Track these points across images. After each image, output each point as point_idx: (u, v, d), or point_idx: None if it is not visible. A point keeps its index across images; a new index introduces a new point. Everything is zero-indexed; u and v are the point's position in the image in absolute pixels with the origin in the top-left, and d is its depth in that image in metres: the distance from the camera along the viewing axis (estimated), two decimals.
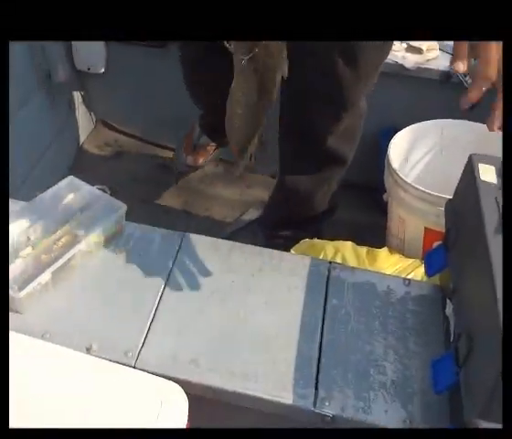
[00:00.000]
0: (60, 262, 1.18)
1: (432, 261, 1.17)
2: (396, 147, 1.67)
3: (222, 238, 1.36)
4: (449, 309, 1.08)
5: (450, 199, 1.21)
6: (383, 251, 1.47)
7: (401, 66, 1.89)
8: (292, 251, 1.46)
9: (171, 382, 0.92)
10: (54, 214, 1.30)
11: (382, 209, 1.73)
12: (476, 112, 1.77)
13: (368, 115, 1.60)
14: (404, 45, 1.94)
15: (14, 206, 1.33)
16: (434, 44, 1.97)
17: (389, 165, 1.62)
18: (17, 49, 1.94)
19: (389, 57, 1.57)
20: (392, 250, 1.51)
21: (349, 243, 1.48)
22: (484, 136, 1.65)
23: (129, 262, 1.24)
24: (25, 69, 1.98)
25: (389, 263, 1.42)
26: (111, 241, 1.29)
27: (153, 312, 1.13)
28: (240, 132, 1.14)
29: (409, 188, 1.53)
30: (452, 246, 1.11)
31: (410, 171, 1.73)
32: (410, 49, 1.95)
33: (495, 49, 0.88)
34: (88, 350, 1.05)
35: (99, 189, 1.40)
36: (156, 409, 0.89)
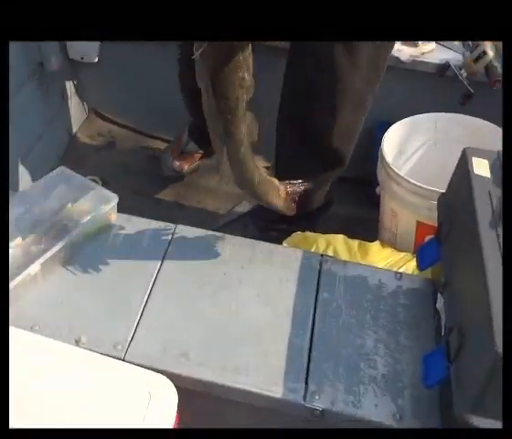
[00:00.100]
0: (50, 253, 1.18)
1: (423, 254, 1.16)
2: (390, 141, 1.66)
3: (214, 230, 1.36)
4: (440, 303, 1.07)
5: (443, 193, 1.20)
6: (375, 245, 1.46)
7: (397, 59, 1.88)
8: (284, 243, 1.46)
9: (160, 375, 0.92)
10: (44, 204, 1.29)
11: (375, 203, 1.72)
12: (470, 106, 1.79)
13: None
14: None
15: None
16: None
17: (383, 158, 1.61)
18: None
19: None
20: (384, 243, 1.51)
21: (341, 236, 1.48)
22: (477, 130, 1.66)
23: (120, 255, 1.23)
24: (17, 57, 1.96)
25: (380, 257, 1.42)
26: (102, 233, 1.29)
27: (143, 304, 1.13)
28: (211, 138, 1.06)
29: (401, 182, 1.52)
30: (444, 240, 1.11)
31: (403, 164, 1.72)
32: (406, 42, 1.94)
33: None
34: (77, 343, 1.05)
35: (90, 180, 1.39)
36: (145, 402, 0.88)
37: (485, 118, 1.69)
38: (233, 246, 1.27)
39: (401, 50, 1.91)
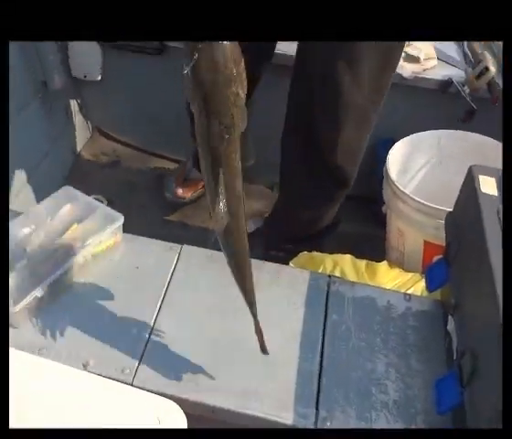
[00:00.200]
0: (56, 275, 1.17)
1: (432, 275, 1.16)
2: (394, 158, 1.66)
3: (219, 249, 1.35)
4: (451, 325, 1.06)
5: (450, 212, 1.19)
6: (383, 265, 1.45)
7: (399, 75, 1.88)
8: (290, 264, 1.45)
9: (169, 401, 0.90)
10: (50, 225, 1.28)
11: (381, 222, 1.72)
12: (473, 123, 1.79)
13: None
14: (402, 54, 1.93)
15: (10, 216, 1.31)
16: (432, 53, 1.96)
17: (388, 176, 1.60)
18: (13, 57, 1.92)
19: None
20: (392, 263, 1.50)
21: (348, 257, 1.47)
22: (481, 147, 1.66)
23: (126, 276, 1.23)
24: (21, 77, 1.96)
25: (388, 278, 1.41)
26: (107, 253, 1.28)
27: (150, 328, 1.12)
28: (201, 168, 0.95)
29: (407, 200, 1.51)
30: (453, 260, 1.10)
31: (408, 182, 1.72)
32: (408, 58, 1.94)
33: None
34: (84, 367, 1.04)
35: (95, 199, 1.38)
36: (154, 427, 0.87)
37: (488, 134, 1.69)
38: None
39: (404, 67, 1.91)
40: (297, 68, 1.51)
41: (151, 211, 2.00)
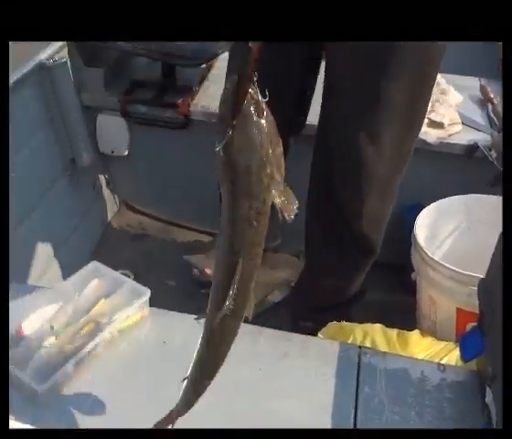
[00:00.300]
0: (83, 352, 1.16)
1: (467, 345, 1.12)
2: (422, 224, 1.65)
3: (248, 321, 1.33)
4: (489, 397, 1.02)
5: (482, 279, 1.17)
6: (414, 334, 1.42)
7: (423, 141, 1.88)
8: (319, 334, 1.42)
9: None
10: (77, 301, 1.29)
11: (411, 289, 1.69)
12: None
13: None
14: (426, 120, 1.93)
15: (38, 293, 1.32)
16: (456, 118, 1.96)
17: (416, 242, 1.59)
18: (43, 136, 1.98)
19: None
20: (424, 332, 1.46)
21: (379, 326, 1.44)
22: None
23: (153, 351, 1.21)
24: (50, 155, 2.01)
25: (421, 347, 1.37)
26: (135, 328, 1.27)
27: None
28: (219, 254, 0.88)
29: (438, 267, 1.49)
30: (487, 330, 1.07)
31: (437, 249, 1.70)
32: (432, 124, 1.94)
33: None
34: None
35: (122, 274, 1.39)
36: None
37: None
38: (267, 339, 1.24)
39: (428, 133, 1.91)
40: (319, 138, 1.52)
41: (178, 285, 2.00)
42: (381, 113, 1.37)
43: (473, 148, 1.86)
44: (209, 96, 2.06)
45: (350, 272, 1.63)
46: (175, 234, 2.24)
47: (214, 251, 1.97)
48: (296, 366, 1.17)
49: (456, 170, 1.91)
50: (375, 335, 1.41)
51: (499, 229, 1.10)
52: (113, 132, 2.20)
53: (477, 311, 1.13)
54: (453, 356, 1.33)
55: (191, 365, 1.01)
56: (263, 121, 0.79)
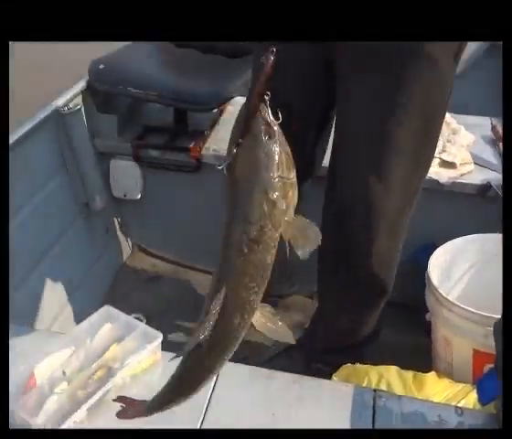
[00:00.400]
0: (96, 397, 1.15)
1: (484, 387, 1.10)
2: (436, 264, 1.63)
3: (260, 364, 1.32)
4: None
5: (499, 319, 1.15)
6: (430, 376, 1.40)
7: (436, 181, 1.88)
8: (333, 377, 1.40)
9: None
10: (90, 346, 1.28)
11: (425, 330, 1.67)
12: None
13: None
14: (437, 160, 1.94)
15: (50, 338, 1.32)
16: (468, 158, 1.96)
17: (430, 282, 1.57)
18: (57, 181, 2.01)
19: None
20: (440, 374, 1.44)
21: (394, 368, 1.42)
22: None
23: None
24: (64, 199, 2.04)
25: (437, 389, 1.35)
26: (147, 373, 1.26)
27: None
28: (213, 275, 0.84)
29: (453, 308, 1.47)
30: None
31: (451, 289, 1.68)
32: (444, 164, 1.94)
33: None
34: None
35: (135, 318, 1.39)
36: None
37: None
38: (280, 382, 1.23)
39: (440, 173, 1.91)
40: (329, 179, 1.54)
41: (190, 328, 1.99)
42: (390, 155, 1.39)
43: (485, 188, 1.86)
44: (221, 140, 2.08)
45: (363, 312, 1.62)
46: (187, 276, 2.24)
47: None
48: (310, 410, 1.15)
49: (469, 210, 1.90)
50: (390, 377, 1.39)
51: None
52: (126, 176, 2.22)
53: (494, 352, 1.11)
54: (470, 398, 1.30)
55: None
56: (273, 143, 0.74)
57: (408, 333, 1.83)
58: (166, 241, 2.32)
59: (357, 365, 1.45)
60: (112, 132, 2.17)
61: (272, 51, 0.75)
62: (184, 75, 2.14)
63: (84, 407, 1.13)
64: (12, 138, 1.78)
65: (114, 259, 2.32)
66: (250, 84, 0.80)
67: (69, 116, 2.00)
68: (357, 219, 1.47)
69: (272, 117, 0.76)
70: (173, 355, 1.28)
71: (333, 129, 1.52)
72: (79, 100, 2.07)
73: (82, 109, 2.06)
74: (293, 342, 0.90)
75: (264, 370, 1.27)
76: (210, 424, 1.13)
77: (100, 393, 1.16)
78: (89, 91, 2.11)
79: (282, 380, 1.23)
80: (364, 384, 1.37)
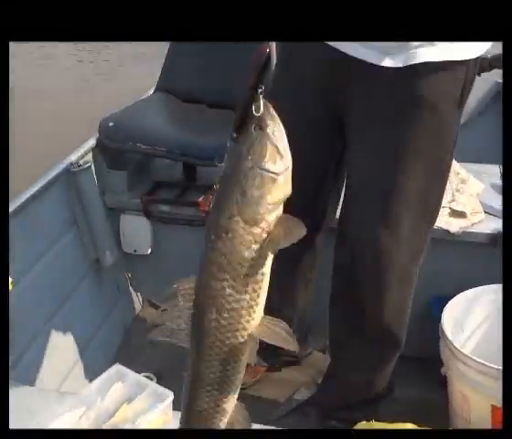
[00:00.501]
0: None
1: None
2: (449, 316, 1.61)
3: (274, 420, 1.30)
4: None
5: None
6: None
7: (446, 231, 1.87)
8: None
9: None
10: (100, 407, 1.26)
11: (441, 384, 1.63)
12: None
13: (416, 284, 1.56)
14: (447, 210, 1.93)
15: (61, 399, 1.30)
16: (478, 207, 1.95)
17: (444, 335, 1.55)
18: (68, 238, 2.01)
19: None
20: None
21: (410, 425, 1.38)
22: None
23: None
24: (75, 255, 2.04)
25: None
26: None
27: None
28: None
29: (469, 362, 1.44)
30: None
31: (466, 341, 1.65)
32: (454, 214, 1.93)
33: None
34: None
35: (145, 377, 1.37)
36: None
37: None
38: None
39: (450, 222, 1.90)
40: (340, 229, 1.55)
41: None
42: (397, 206, 1.40)
43: (497, 236, 1.84)
44: None
45: (376, 366, 1.60)
46: None
47: None
48: None
49: (482, 259, 1.88)
50: None
51: None
52: (136, 231, 2.23)
53: None
54: None
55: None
56: (258, 134, 0.75)
57: (423, 387, 1.80)
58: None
59: (373, 422, 1.41)
60: (122, 187, 2.19)
61: (264, 49, 0.79)
62: (192, 130, 2.17)
63: None
64: (23, 197, 1.80)
65: (125, 314, 2.30)
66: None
67: (80, 173, 2.02)
68: (367, 269, 1.47)
69: (269, 110, 0.77)
70: None
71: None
72: (89, 157, 2.10)
73: (92, 166, 2.09)
74: (296, 349, 0.86)
75: (277, 429, 1.25)
76: None
77: None
78: (99, 149, 2.13)
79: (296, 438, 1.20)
80: None
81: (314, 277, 1.76)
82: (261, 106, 0.76)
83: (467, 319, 1.68)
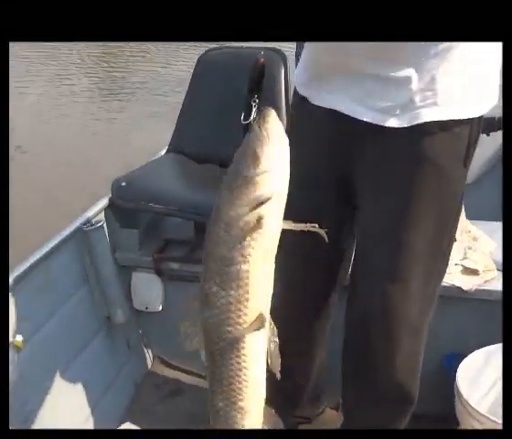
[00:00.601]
0: None
1: None
2: (464, 374, 1.59)
3: None
4: None
5: None
6: None
7: (459, 289, 1.86)
8: None
9: None
10: None
11: None
12: None
13: (430, 342, 1.55)
14: (460, 267, 1.92)
15: None
16: (491, 264, 1.94)
17: (459, 393, 1.52)
18: (80, 296, 2.02)
19: (445, 280, 1.55)
20: None
21: None
22: None
23: None
24: (86, 313, 2.05)
25: None
26: None
27: None
28: None
29: (484, 420, 1.42)
30: None
31: (482, 399, 1.62)
32: (467, 271, 1.92)
33: None
34: None
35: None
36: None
37: None
38: None
39: (462, 280, 1.89)
40: (351, 286, 1.55)
41: None
42: (406, 262, 1.40)
43: None
44: None
45: (389, 423, 1.57)
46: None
47: None
48: None
49: (496, 316, 1.86)
50: None
51: None
52: (147, 289, 2.23)
53: None
54: None
55: None
56: (247, 138, 0.80)
57: None
58: (188, 353, 2.29)
59: None
60: (134, 245, 2.20)
61: (261, 56, 0.84)
62: (203, 189, 2.19)
63: None
64: (37, 255, 1.82)
65: (136, 372, 2.29)
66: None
67: (92, 232, 2.05)
68: (378, 325, 1.46)
69: (263, 116, 0.80)
70: None
71: None
72: (101, 216, 2.12)
73: (105, 224, 2.11)
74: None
75: None
76: None
77: None
78: (111, 208, 2.16)
79: None
80: None
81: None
82: (253, 114, 0.83)
83: (482, 377, 1.65)
